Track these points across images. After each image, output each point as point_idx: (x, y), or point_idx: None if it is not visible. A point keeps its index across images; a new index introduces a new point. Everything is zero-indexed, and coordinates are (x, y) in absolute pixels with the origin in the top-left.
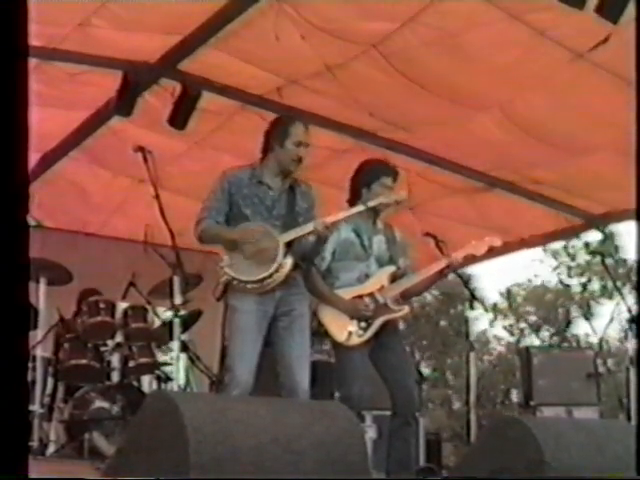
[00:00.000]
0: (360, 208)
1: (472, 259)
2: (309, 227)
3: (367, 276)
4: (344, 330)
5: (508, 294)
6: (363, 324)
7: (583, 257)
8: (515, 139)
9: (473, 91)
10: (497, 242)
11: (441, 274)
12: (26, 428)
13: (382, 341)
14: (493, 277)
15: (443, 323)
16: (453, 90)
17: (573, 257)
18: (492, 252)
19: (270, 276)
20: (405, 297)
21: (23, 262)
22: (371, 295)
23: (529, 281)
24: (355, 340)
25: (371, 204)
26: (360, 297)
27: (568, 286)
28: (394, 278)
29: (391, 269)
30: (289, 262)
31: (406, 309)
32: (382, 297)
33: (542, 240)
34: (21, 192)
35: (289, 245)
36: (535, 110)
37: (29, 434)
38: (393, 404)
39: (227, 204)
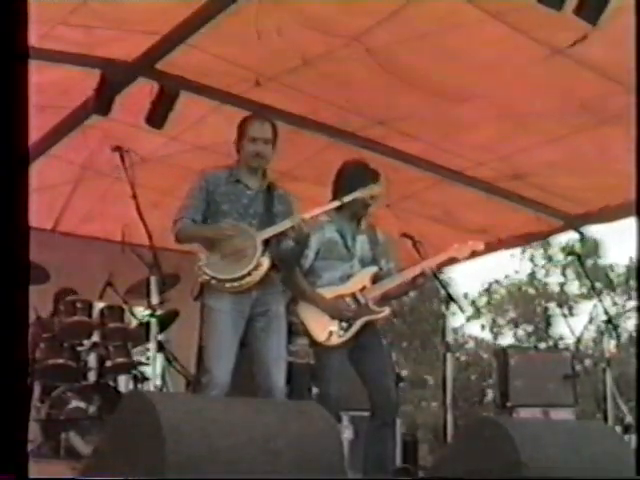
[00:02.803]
0: (335, 204)
1: (454, 261)
2: (286, 223)
3: (350, 276)
4: (325, 330)
5: (488, 291)
6: (344, 324)
7: (561, 257)
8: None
9: (456, 85)
10: (480, 246)
11: (422, 277)
12: (25, 429)
13: (362, 342)
14: (472, 272)
15: (419, 321)
16: (436, 84)
17: (550, 258)
18: (474, 255)
19: (248, 274)
20: (385, 299)
21: (23, 265)
22: (353, 295)
23: (507, 277)
24: (335, 340)
25: (347, 199)
26: (342, 297)
27: (546, 284)
28: (376, 279)
29: (373, 270)
30: (266, 261)
31: (387, 310)
32: (363, 298)
33: (520, 240)
34: (21, 195)
35: (267, 243)
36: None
37: (27, 435)
38: (371, 405)
39: (205, 202)
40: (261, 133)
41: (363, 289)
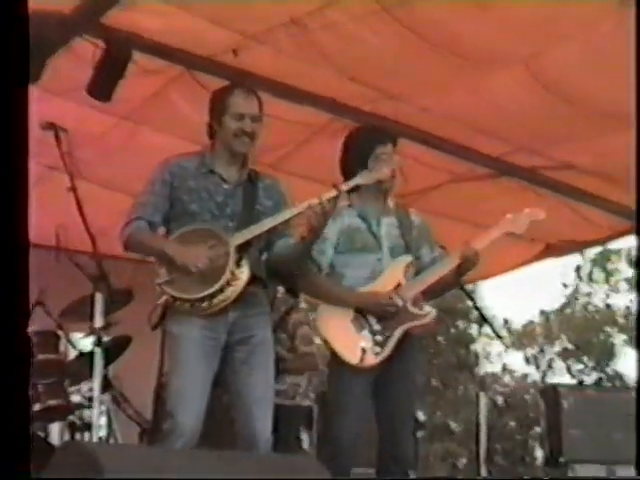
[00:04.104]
0: (332, 194)
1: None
2: (268, 222)
3: (380, 271)
4: (355, 347)
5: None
6: (379, 338)
7: (628, 270)
8: (541, 102)
9: (490, 47)
10: (541, 215)
11: (468, 265)
12: (26, 428)
13: (393, 364)
14: (512, 290)
15: (441, 351)
16: (465, 45)
17: (611, 272)
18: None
19: (220, 290)
20: (425, 295)
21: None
22: None
23: (557, 297)
24: (371, 360)
25: (344, 188)
26: None
27: (608, 305)
28: (412, 272)
29: (407, 260)
30: (244, 272)
31: (433, 313)
32: (400, 298)
33: (573, 246)
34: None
35: (244, 250)
36: (568, 68)
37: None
38: (378, 456)
39: (167, 200)
40: (248, 108)
41: (398, 287)
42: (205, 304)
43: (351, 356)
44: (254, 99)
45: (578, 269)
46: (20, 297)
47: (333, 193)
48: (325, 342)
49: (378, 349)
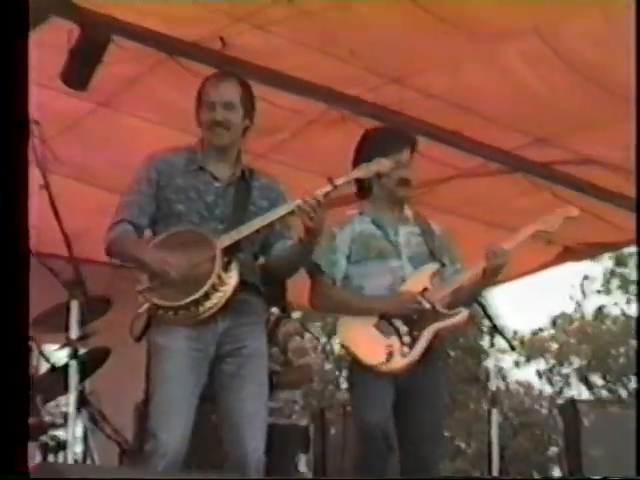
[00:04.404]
0: (327, 189)
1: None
2: (257, 222)
3: (402, 279)
4: (381, 348)
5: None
6: (406, 339)
7: None
8: (556, 81)
9: (500, 19)
10: (574, 212)
11: (496, 267)
12: (26, 427)
13: (418, 377)
14: (524, 300)
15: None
16: (473, 19)
17: (628, 279)
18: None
19: (206, 297)
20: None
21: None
22: None
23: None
24: (398, 362)
25: (339, 182)
26: None
27: (628, 317)
28: (439, 279)
29: (433, 268)
30: (233, 277)
31: (464, 312)
32: (427, 301)
33: (593, 250)
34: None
35: (233, 253)
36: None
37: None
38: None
39: (153, 201)
40: (219, 95)
41: (424, 291)
42: (190, 312)
43: (373, 358)
44: (229, 85)
45: (586, 278)
46: (20, 306)
47: (328, 188)
48: (347, 350)
49: (406, 349)
